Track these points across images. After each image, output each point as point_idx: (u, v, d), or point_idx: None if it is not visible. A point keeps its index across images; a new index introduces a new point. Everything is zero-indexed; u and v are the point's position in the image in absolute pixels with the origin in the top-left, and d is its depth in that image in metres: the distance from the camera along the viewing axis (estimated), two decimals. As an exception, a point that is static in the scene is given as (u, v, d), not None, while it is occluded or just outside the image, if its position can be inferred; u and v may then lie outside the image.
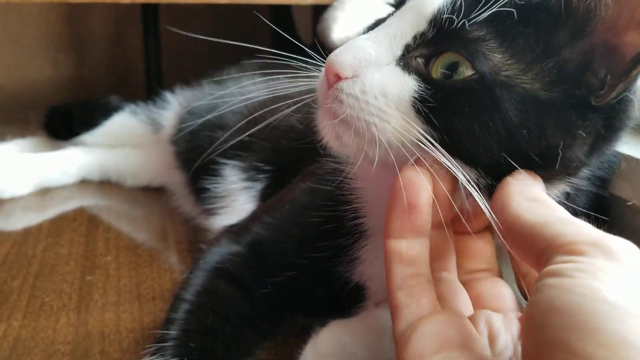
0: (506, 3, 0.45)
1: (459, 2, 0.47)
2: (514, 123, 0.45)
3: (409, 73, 0.48)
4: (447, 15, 0.47)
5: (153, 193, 1.15)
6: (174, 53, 2.02)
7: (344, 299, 0.63)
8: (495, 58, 0.46)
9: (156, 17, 1.78)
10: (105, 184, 1.18)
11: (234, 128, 0.94)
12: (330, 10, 1.29)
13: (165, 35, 1.84)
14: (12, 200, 1.08)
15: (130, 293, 0.77)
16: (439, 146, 0.46)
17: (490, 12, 0.46)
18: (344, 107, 0.48)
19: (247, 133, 0.87)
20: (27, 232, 0.95)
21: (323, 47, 1.32)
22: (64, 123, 1.23)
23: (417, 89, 0.47)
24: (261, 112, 0.92)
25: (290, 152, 0.82)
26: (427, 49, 0.48)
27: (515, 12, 0.46)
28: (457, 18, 0.46)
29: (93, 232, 0.95)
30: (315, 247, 0.62)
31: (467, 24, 0.46)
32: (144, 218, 1.05)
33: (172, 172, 1.09)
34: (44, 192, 1.13)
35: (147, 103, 1.19)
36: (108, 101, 1.23)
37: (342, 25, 1.28)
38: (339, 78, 0.48)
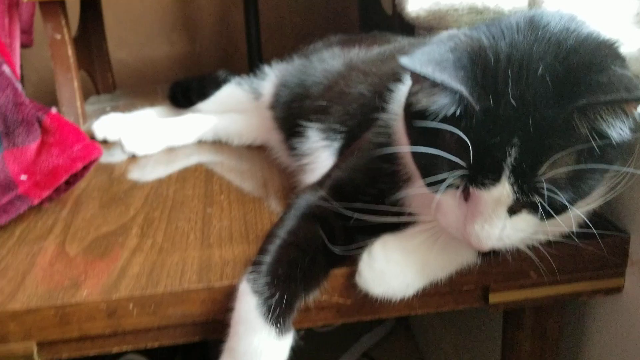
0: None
1: (522, 188, 0.61)
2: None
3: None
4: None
5: (255, 150, 1.32)
6: (272, 29, 2.18)
7: (401, 224, 0.78)
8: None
9: (255, -4, 1.92)
10: (217, 144, 1.37)
11: (316, 96, 1.09)
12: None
13: (263, 13, 2.00)
14: (145, 157, 1.31)
15: (239, 228, 0.93)
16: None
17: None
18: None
19: (325, 99, 1.02)
20: (160, 180, 1.16)
21: (401, 18, 1.40)
22: (183, 94, 1.42)
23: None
24: (337, 80, 1.08)
25: (358, 116, 0.94)
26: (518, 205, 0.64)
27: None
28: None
29: (210, 180, 1.15)
30: (379, 182, 0.78)
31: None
32: (249, 171, 1.21)
33: (271, 132, 1.22)
34: (170, 151, 1.34)
35: (250, 75, 1.34)
36: (217, 75, 1.40)
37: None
38: None
